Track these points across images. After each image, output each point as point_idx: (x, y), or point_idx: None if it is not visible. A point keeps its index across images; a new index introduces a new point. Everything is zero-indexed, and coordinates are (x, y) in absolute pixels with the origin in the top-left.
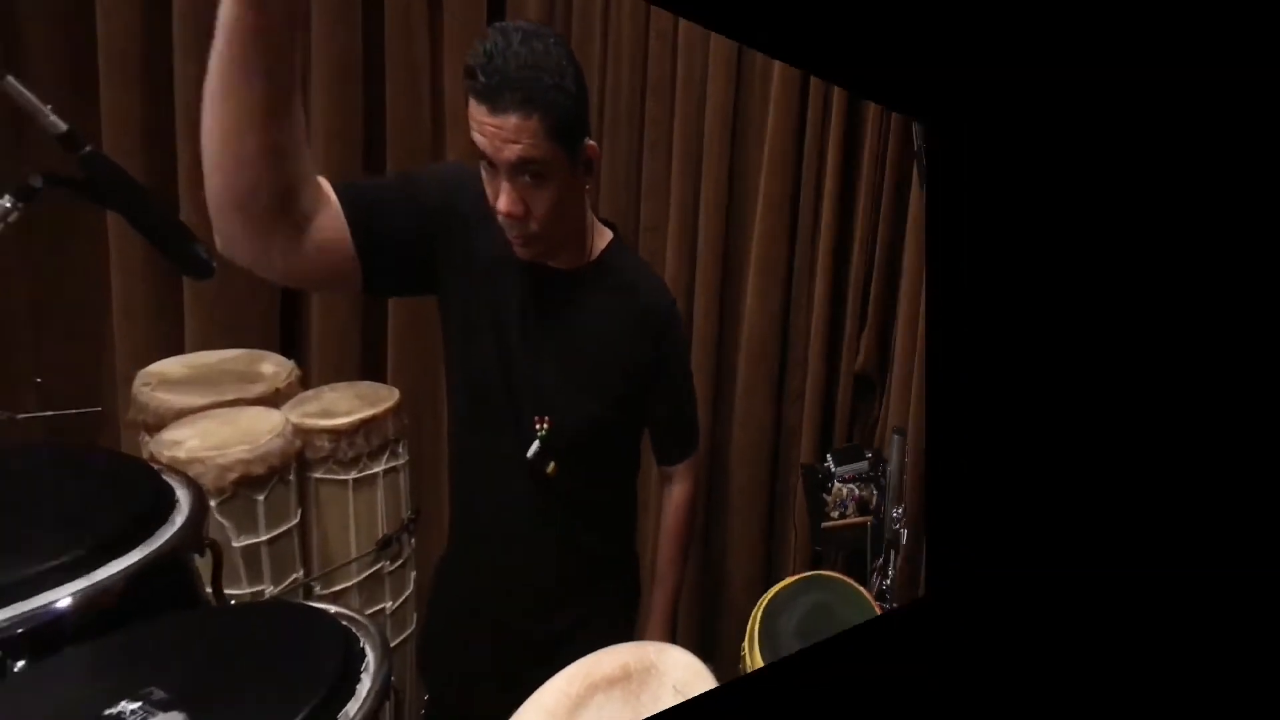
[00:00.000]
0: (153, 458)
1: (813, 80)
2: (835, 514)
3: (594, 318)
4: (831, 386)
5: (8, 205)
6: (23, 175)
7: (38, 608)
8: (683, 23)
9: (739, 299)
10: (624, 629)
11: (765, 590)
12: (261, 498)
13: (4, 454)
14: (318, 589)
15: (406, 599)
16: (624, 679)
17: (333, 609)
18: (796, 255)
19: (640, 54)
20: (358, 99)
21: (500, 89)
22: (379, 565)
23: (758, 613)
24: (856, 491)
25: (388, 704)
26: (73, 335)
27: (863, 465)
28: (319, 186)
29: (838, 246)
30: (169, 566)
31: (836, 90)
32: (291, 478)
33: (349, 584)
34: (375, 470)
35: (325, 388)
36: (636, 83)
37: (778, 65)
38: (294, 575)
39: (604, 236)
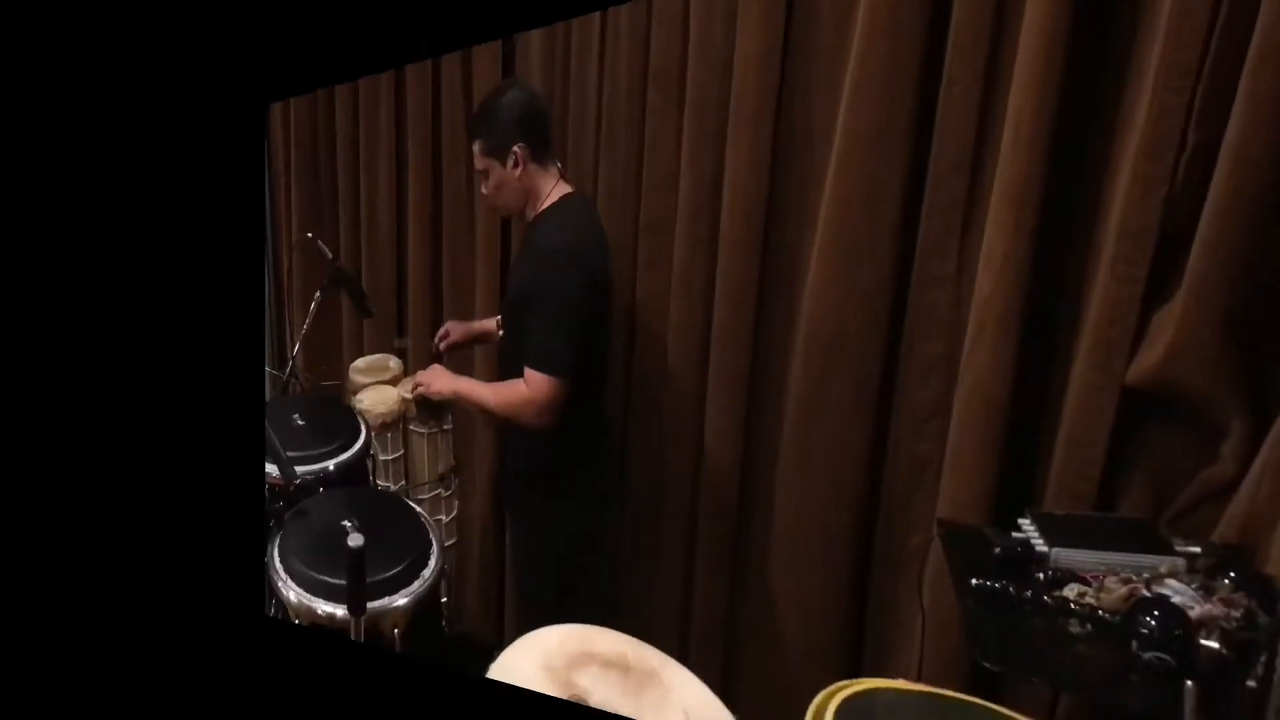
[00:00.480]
0: (353, 407)
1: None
2: (1079, 630)
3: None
4: (1034, 404)
5: (319, 295)
6: (321, 279)
7: (324, 467)
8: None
9: (793, 281)
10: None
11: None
12: (389, 435)
13: (317, 400)
14: (410, 494)
15: (453, 518)
16: (621, 668)
17: (418, 508)
18: (927, 201)
19: (641, 50)
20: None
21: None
22: (438, 490)
23: (833, 699)
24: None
25: (443, 582)
26: (333, 347)
27: (1151, 563)
28: None
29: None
30: (360, 460)
31: None
32: (400, 427)
33: (424, 497)
34: (440, 430)
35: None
36: (636, 83)
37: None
38: (401, 483)
39: (550, 200)
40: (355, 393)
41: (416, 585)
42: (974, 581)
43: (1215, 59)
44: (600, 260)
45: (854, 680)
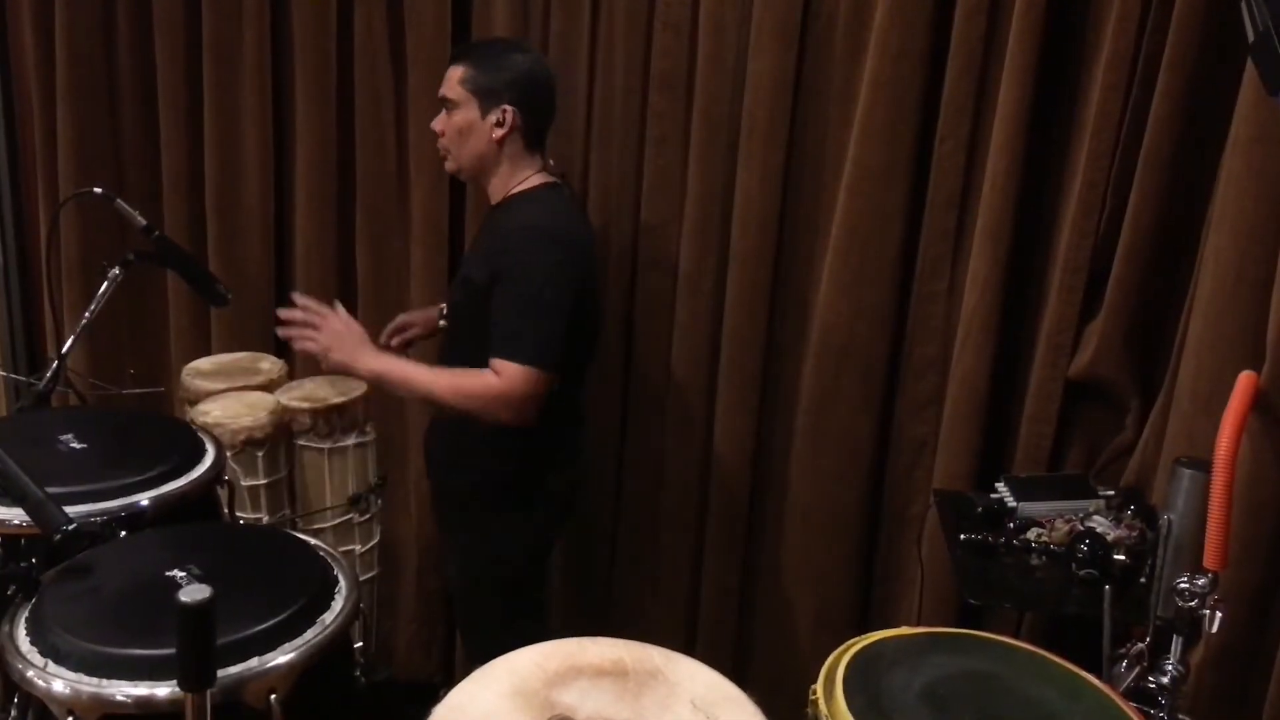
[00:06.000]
0: (192, 422)
1: None
2: (1037, 562)
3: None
4: (1006, 394)
5: (116, 272)
6: (122, 253)
7: (131, 503)
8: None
9: (807, 291)
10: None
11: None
12: (260, 454)
13: (115, 414)
14: (300, 524)
15: (372, 546)
16: (616, 675)
17: (313, 541)
18: (924, 232)
19: (641, 51)
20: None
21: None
22: (349, 516)
23: (844, 655)
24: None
25: (357, 624)
26: (149, 343)
27: (1084, 506)
28: None
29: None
30: (203, 490)
31: None
32: (281, 442)
33: (324, 526)
34: (347, 443)
35: (307, 379)
36: (635, 82)
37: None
38: (283, 512)
39: (528, 184)
40: (195, 402)
41: (311, 634)
42: (962, 536)
43: (1122, 151)
44: (586, 248)
45: (862, 636)
